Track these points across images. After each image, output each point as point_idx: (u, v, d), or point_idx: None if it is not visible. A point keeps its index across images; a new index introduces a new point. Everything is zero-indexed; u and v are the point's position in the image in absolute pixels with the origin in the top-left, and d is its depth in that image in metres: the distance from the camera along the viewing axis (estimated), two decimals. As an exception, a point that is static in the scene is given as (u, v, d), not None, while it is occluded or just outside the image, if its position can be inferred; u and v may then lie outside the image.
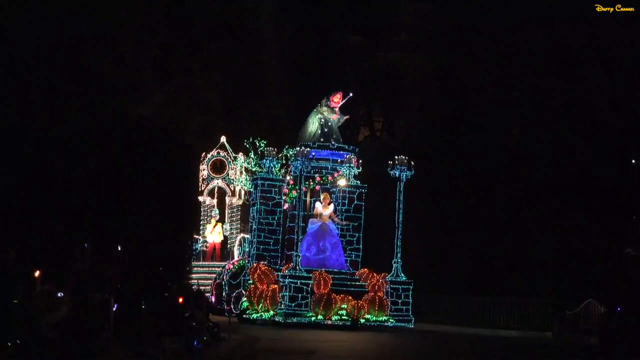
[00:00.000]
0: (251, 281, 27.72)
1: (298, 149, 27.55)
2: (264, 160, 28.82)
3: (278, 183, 28.88)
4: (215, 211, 33.64)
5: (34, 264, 14.49)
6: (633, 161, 31.76)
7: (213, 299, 28.71)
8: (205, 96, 35.78)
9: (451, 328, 28.06)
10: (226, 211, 34.41)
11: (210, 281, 29.10)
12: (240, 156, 31.83)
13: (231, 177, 33.25)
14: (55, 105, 15.70)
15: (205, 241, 33.29)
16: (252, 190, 29.27)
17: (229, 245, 33.55)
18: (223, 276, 29.32)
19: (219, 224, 33.50)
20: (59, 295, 14.53)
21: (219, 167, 33.77)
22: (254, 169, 29.60)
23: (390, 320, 26.88)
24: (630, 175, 31.22)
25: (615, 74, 31.53)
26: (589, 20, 30.49)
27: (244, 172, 29.75)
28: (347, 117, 29.79)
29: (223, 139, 34.04)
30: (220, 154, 33.95)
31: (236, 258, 31.45)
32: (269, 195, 28.67)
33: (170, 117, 25.60)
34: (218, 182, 33.99)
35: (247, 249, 30.16)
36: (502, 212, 31.32)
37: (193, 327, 15.84)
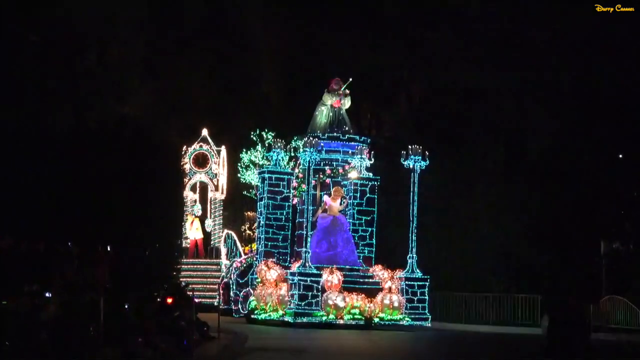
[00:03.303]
0: (259, 279, 28.73)
1: (307, 139, 28.44)
2: (272, 153, 29.81)
3: (286, 176, 29.80)
4: (198, 206, 34.70)
5: (21, 264, 15.75)
6: (620, 155, 32.68)
7: (221, 299, 29.90)
8: (192, 93, 37.04)
9: (468, 327, 28.96)
10: (209, 206, 35.48)
11: (197, 279, 30.24)
12: (223, 149, 32.82)
13: (214, 171, 34.34)
14: (39, 103, 16.94)
15: (186, 238, 34.22)
16: (259, 184, 30.25)
17: (212, 242, 34.65)
18: (230, 275, 30.44)
19: (196, 220, 34.56)
20: (46, 295, 15.83)
21: (201, 161, 34.80)
22: (261, 162, 30.61)
23: (406, 318, 27.65)
24: (618, 170, 32.25)
25: (609, 71, 32.64)
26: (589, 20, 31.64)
27: (250, 166, 30.81)
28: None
29: (205, 131, 35.07)
30: (203, 147, 35.00)
31: (223, 254, 32.48)
32: (277, 189, 29.63)
33: (155, 115, 26.82)
34: (200, 177, 35.04)
35: (231, 245, 31.26)
36: (491, 208, 32.43)
37: (182, 326, 17.07)
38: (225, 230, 33.89)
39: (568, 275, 28.27)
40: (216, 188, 35.23)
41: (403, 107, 36.48)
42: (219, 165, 34.80)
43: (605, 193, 32.06)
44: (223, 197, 35.50)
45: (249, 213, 38.89)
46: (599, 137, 32.37)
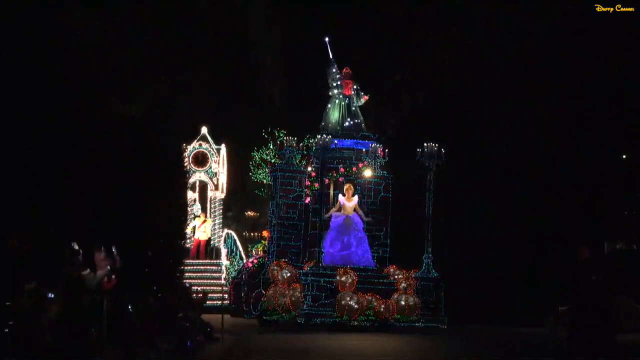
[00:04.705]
0: (271, 280, 29.03)
1: (320, 137, 28.81)
2: (284, 151, 30.21)
3: (299, 174, 30.14)
4: (197, 206, 35.21)
5: (24, 265, 16.31)
6: (624, 156, 33.04)
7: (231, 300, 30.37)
8: (195, 94, 37.76)
9: (483, 328, 29.25)
10: (208, 205, 35.97)
11: (200, 280, 30.75)
12: (223, 147, 33.34)
13: (214, 170, 34.87)
14: (43, 104, 17.49)
15: (189, 238, 34.65)
16: (271, 182, 30.67)
17: (212, 242, 35.17)
18: (242, 275, 30.85)
19: (208, 221, 35.11)
20: (49, 295, 16.38)
21: (200, 160, 35.32)
22: (272, 160, 31.04)
23: (422, 320, 27.88)
24: (621, 171, 32.64)
25: (609, 70, 33.04)
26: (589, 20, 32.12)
27: (262, 164, 31.33)
28: (367, 97, 30.89)
29: (204, 129, 35.59)
30: (202, 145, 35.51)
31: (224, 255, 32.88)
32: (289, 187, 29.92)
33: (158, 115, 27.36)
34: (200, 176, 35.56)
35: (231, 245, 31.70)
36: (491, 207, 32.80)
37: (186, 327, 17.59)
38: (226, 230, 34.39)
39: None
40: (216, 187, 35.74)
41: (406, 107, 37.03)
42: (219, 164, 35.34)
43: (608, 193, 32.47)
44: (223, 196, 36.03)
45: (249, 213, 39.48)
46: (602, 137, 32.79)
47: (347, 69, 30.68)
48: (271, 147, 31.39)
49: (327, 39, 30.45)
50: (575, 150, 33.39)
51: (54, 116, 17.37)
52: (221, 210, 36.04)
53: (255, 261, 31.34)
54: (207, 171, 35.64)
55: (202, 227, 34.83)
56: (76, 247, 17.12)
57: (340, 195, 29.57)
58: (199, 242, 34.82)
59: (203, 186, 36.34)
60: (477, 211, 33.05)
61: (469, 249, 32.23)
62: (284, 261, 29.14)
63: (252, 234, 39.05)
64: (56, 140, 17.33)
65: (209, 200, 36.22)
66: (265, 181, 32.00)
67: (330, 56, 30.50)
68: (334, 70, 30.48)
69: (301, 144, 30.57)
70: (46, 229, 17.03)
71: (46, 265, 16.36)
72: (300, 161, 30.72)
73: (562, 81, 34.45)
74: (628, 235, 32.36)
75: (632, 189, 33.38)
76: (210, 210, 36.08)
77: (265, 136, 31.33)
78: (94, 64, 20.24)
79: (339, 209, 29.35)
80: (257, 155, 33.22)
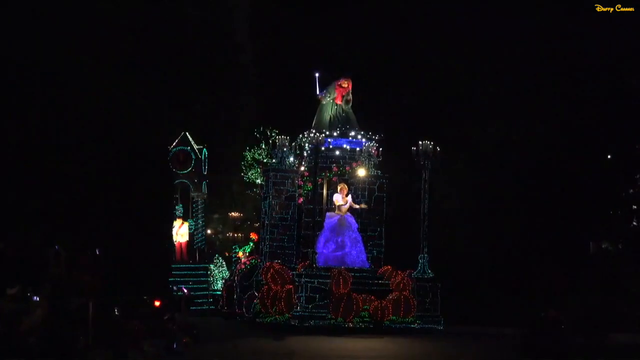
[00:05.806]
0: (264, 282, 29.21)
1: (313, 136, 28.94)
2: (276, 150, 30.37)
3: (291, 174, 30.34)
4: (179, 207, 35.44)
5: (7, 267, 16.49)
6: (609, 156, 33.27)
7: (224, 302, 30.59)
8: (183, 98, 38.08)
9: (480, 329, 29.40)
10: (190, 207, 36.20)
11: (186, 283, 30.94)
12: (204, 148, 33.66)
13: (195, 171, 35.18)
14: (31, 111, 17.64)
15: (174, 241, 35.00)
16: (263, 182, 30.85)
17: (195, 243, 35.39)
18: (234, 277, 31.00)
19: (186, 224, 35.36)
20: (34, 299, 16.57)
21: (182, 161, 35.56)
22: (265, 160, 31.20)
23: (417, 321, 27.92)
24: (607, 171, 32.92)
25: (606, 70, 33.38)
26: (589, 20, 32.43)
27: (254, 164, 31.51)
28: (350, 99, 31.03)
29: (184, 131, 35.88)
30: (183, 147, 35.74)
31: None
32: (282, 187, 30.18)
33: (146, 119, 27.56)
34: (182, 177, 35.75)
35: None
36: (478, 209, 33.05)
37: (173, 330, 17.76)
38: (208, 231, 34.65)
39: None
40: (198, 188, 35.98)
41: (395, 107, 37.31)
42: (201, 165, 35.51)
43: (593, 193, 32.75)
44: (205, 197, 36.27)
45: (233, 214, 39.72)
46: (590, 137, 33.11)
47: (346, 82, 30.73)
48: (263, 146, 31.54)
49: (317, 75, 30.73)
50: (562, 149, 33.67)
51: (39, 121, 17.54)
52: (203, 212, 36.28)
53: (248, 262, 31.49)
54: (188, 172, 35.92)
55: (179, 230, 35.12)
56: (57, 248, 17.29)
57: (335, 196, 29.69)
58: (180, 244, 35.07)
59: (185, 187, 36.62)
60: (471, 211, 33.31)
61: (465, 249, 32.43)
62: (277, 263, 29.25)
63: (235, 235, 39.16)
64: (43, 144, 17.49)
65: (190, 201, 36.49)
66: (257, 181, 32.13)
67: (317, 91, 30.76)
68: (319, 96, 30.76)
69: (294, 143, 30.69)
70: (31, 232, 17.19)
71: (30, 268, 16.52)
72: (293, 160, 30.85)
73: (556, 79, 34.78)
74: (614, 235, 32.61)
75: (618, 188, 33.64)
76: (192, 211, 36.35)
77: (257, 135, 31.49)
78: (81, 66, 20.36)
79: (335, 209, 29.53)
80: (249, 155, 33.36)
